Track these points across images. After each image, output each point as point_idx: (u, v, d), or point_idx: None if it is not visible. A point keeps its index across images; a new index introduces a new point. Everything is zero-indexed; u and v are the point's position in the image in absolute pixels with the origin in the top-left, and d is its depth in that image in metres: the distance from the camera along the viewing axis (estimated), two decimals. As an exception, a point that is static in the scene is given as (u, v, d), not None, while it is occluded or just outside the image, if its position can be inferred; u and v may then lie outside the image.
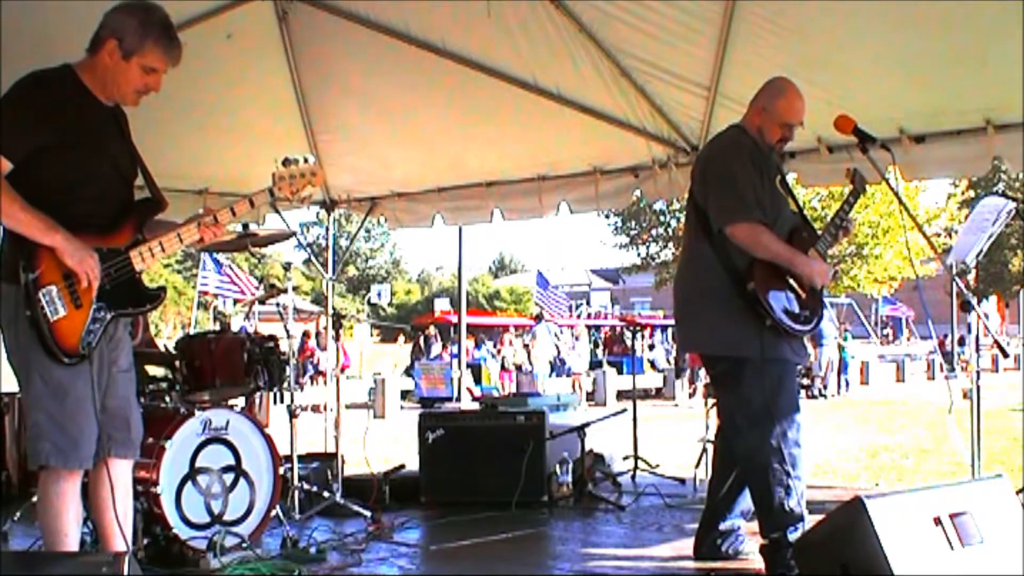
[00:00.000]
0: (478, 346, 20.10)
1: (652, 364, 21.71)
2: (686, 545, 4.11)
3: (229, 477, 4.22)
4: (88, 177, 2.93)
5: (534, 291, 27.69)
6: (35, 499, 4.31)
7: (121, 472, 3.04)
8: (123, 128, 3.12)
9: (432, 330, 24.58)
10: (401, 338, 32.89)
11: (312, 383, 18.52)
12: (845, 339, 20.56)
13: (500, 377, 20.03)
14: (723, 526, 3.95)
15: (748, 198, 3.65)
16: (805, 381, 18.79)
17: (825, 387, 19.13)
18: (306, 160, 3.21)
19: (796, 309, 3.71)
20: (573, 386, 19.07)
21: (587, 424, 5.54)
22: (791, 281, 3.69)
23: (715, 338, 3.79)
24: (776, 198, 3.79)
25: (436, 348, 22.61)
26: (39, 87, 2.88)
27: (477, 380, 19.66)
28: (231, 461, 4.24)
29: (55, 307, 2.80)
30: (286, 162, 3.19)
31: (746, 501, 3.91)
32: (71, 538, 2.90)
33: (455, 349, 18.45)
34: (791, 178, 5.81)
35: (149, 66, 2.96)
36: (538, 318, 21.61)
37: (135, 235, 2.99)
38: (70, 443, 2.85)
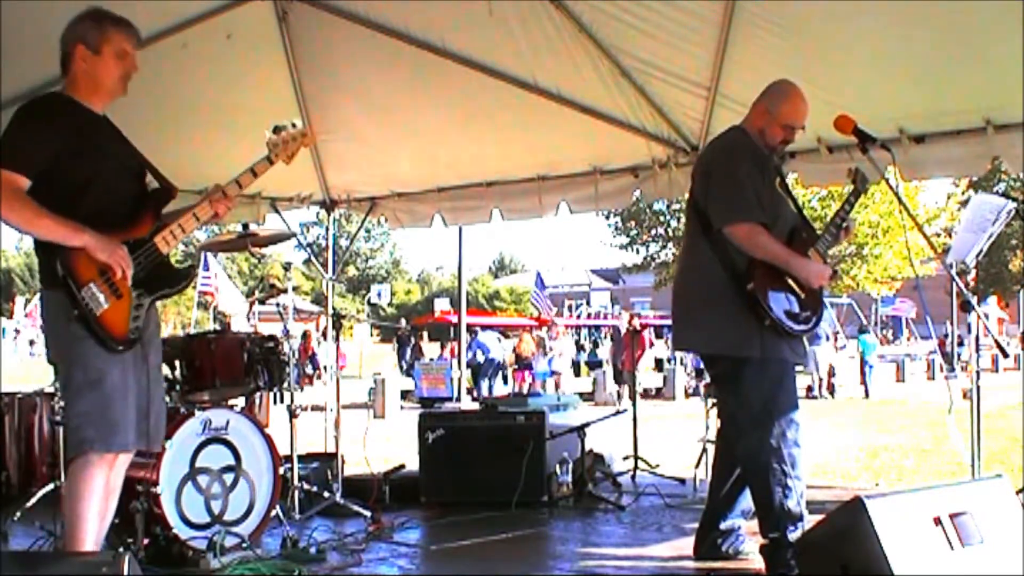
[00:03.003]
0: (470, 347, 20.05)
1: (658, 363, 21.55)
2: (686, 545, 4.11)
3: (229, 477, 4.21)
4: (97, 176, 3.09)
5: (532, 292, 27.81)
6: (34, 500, 4.35)
7: (122, 464, 3.14)
8: (120, 134, 3.28)
9: (407, 334, 24.72)
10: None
11: (310, 382, 18.53)
12: (861, 341, 20.15)
13: (516, 377, 20.04)
14: (723, 525, 3.95)
15: (749, 198, 3.66)
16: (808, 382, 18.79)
17: (831, 388, 19.02)
18: (294, 124, 3.38)
19: (796, 309, 3.71)
20: (555, 387, 19.04)
21: (587, 424, 5.53)
22: (790, 281, 3.69)
23: (715, 338, 3.79)
24: (776, 199, 3.80)
25: (420, 350, 22.71)
26: (40, 109, 3.11)
27: (477, 380, 19.69)
28: (231, 461, 4.24)
29: (98, 301, 2.97)
30: (276, 129, 3.36)
31: (746, 501, 3.91)
32: (90, 524, 3.00)
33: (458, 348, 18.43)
34: (791, 178, 5.82)
35: (119, 49, 3.13)
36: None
37: (155, 223, 3.18)
38: (110, 428, 3.00)
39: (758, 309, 3.62)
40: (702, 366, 4.64)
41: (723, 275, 3.69)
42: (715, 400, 4.21)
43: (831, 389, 18.99)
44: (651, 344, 21.52)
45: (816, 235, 3.88)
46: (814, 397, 18.38)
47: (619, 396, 18.17)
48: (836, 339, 21.92)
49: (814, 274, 3.72)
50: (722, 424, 4.04)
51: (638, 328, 19.05)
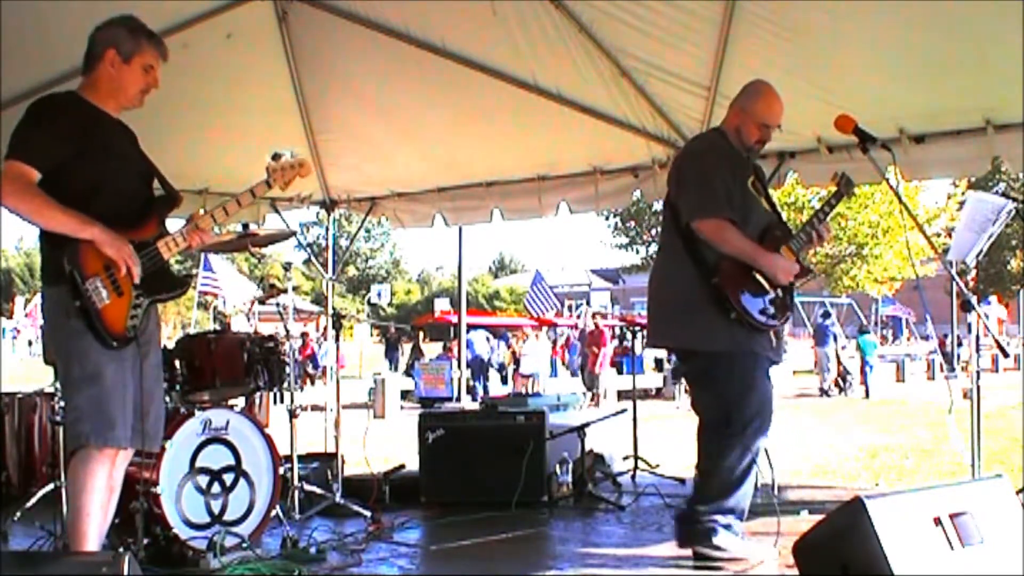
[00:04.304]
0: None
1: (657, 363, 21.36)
2: (686, 545, 4.10)
3: (229, 477, 4.21)
4: (108, 178, 3.16)
5: (529, 292, 27.71)
6: (34, 500, 4.36)
7: (122, 462, 3.16)
8: (132, 138, 3.36)
9: (395, 334, 24.71)
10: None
11: (311, 382, 18.52)
12: (861, 341, 20.08)
13: (515, 378, 20.02)
14: None
15: (718, 195, 3.74)
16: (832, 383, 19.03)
17: (843, 385, 19.15)
18: (292, 154, 3.53)
19: (763, 304, 3.77)
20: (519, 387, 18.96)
21: (587, 424, 5.53)
22: (758, 277, 3.75)
23: (687, 333, 3.87)
24: (748, 198, 3.85)
25: (419, 350, 22.63)
26: (54, 106, 3.15)
27: (481, 379, 19.70)
28: (231, 461, 4.23)
29: (101, 296, 3.03)
30: (276, 156, 3.49)
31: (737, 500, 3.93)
32: (93, 517, 3.03)
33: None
34: (791, 178, 5.82)
35: (147, 64, 3.23)
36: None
37: (160, 228, 3.26)
38: (106, 423, 3.03)
39: (724, 303, 3.69)
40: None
41: (693, 271, 3.77)
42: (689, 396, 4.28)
43: (841, 387, 19.18)
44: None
45: (790, 234, 3.93)
46: (826, 395, 18.62)
47: (592, 396, 17.99)
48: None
49: (781, 269, 3.77)
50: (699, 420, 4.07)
51: (601, 327, 18.95)
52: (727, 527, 3.80)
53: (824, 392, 18.97)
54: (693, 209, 3.78)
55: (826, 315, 21.55)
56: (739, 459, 3.75)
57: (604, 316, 23.82)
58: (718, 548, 3.72)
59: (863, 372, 19.52)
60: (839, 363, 19.62)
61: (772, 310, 3.79)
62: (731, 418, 3.75)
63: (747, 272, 3.74)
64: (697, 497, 3.83)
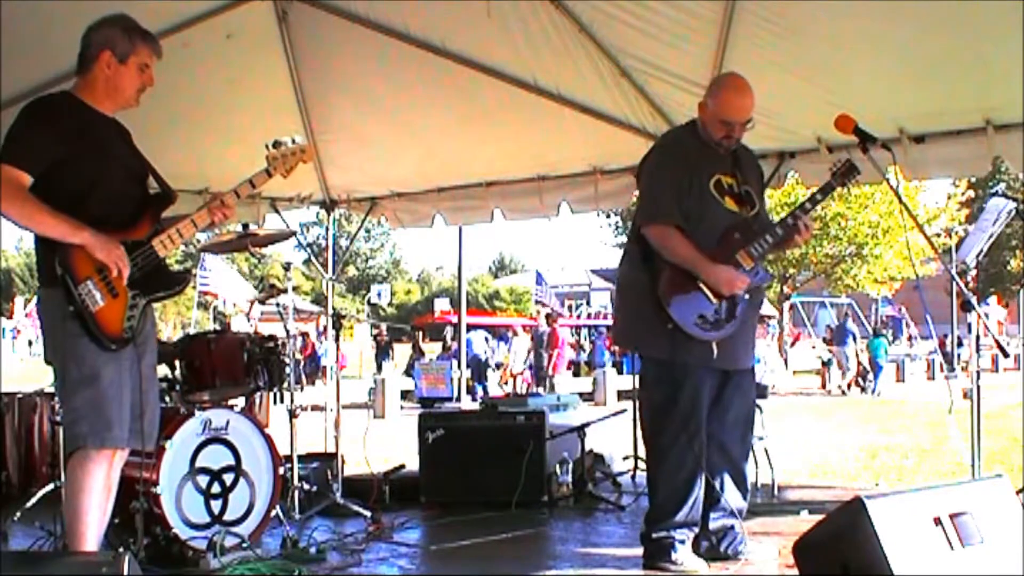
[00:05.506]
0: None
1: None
2: (686, 545, 4.10)
3: (229, 477, 4.21)
4: (101, 179, 3.14)
5: (534, 290, 27.73)
6: (34, 500, 4.36)
7: (119, 462, 3.17)
8: (127, 138, 3.35)
9: (385, 338, 24.73)
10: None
11: (311, 382, 18.51)
12: (876, 341, 20.04)
13: (503, 378, 20.03)
14: (713, 525, 3.94)
15: (666, 201, 3.72)
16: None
17: (863, 384, 19.45)
18: (294, 140, 3.51)
19: (706, 313, 3.70)
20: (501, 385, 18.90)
21: (587, 424, 5.53)
22: (702, 285, 3.68)
23: (631, 334, 3.97)
24: (705, 199, 3.76)
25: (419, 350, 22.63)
26: (48, 108, 3.14)
27: (479, 379, 19.69)
28: (231, 461, 4.23)
29: (94, 298, 3.03)
30: (276, 144, 3.48)
31: (733, 500, 3.94)
32: (91, 517, 3.04)
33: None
34: (791, 178, 5.81)
35: (143, 63, 3.23)
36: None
37: (154, 226, 3.24)
38: (104, 424, 3.04)
39: (661, 312, 3.67)
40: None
41: (643, 274, 3.76)
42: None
43: (861, 387, 19.51)
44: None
45: (754, 237, 3.77)
46: (843, 393, 19.09)
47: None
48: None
49: (723, 281, 3.67)
50: None
51: (556, 329, 18.88)
52: (683, 542, 3.82)
53: (858, 384, 19.43)
54: (642, 214, 3.81)
55: (846, 316, 21.84)
56: (678, 468, 3.74)
57: (559, 317, 23.64)
58: (675, 564, 3.76)
59: (872, 372, 19.81)
60: (859, 363, 19.75)
61: (712, 320, 3.70)
62: (663, 426, 3.77)
63: (692, 280, 3.67)
64: (650, 515, 3.86)
